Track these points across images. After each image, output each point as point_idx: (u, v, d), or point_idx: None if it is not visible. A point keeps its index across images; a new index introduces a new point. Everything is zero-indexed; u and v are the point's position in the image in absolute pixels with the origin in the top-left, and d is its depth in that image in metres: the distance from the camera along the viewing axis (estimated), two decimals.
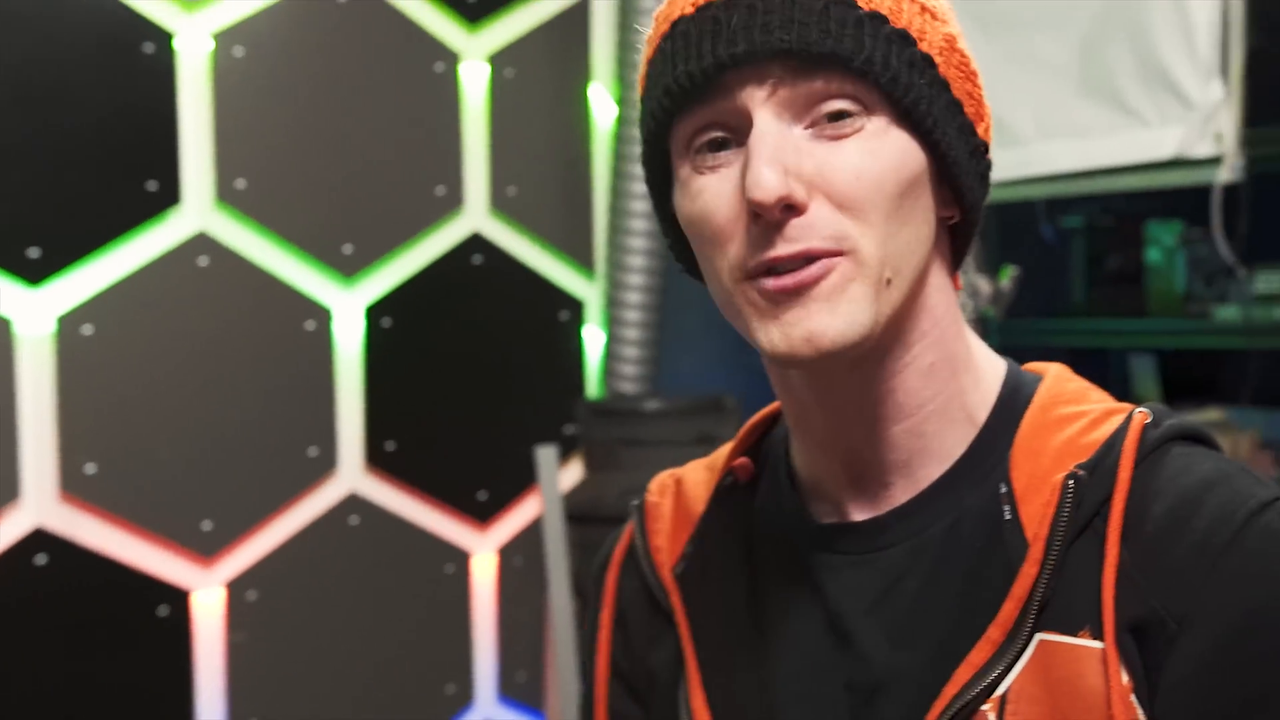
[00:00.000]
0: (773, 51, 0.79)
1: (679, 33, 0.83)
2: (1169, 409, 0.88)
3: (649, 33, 0.89)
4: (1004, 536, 0.84)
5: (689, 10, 0.83)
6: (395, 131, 3.09)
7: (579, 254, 3.37)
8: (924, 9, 0.84)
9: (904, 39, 0.82)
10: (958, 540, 0.86)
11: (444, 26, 3.16)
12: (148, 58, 2.78)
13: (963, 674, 0.82)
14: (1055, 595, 0.81)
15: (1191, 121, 2.67)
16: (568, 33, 3.34)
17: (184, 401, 2.83)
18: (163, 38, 2.80)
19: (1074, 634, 0.80)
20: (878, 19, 0.81)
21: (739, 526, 0.98)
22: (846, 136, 0.81)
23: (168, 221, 2.82)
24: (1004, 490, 0.85)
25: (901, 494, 0.89)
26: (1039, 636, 0.81)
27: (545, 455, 3.23)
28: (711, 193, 0.83)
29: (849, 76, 0.80)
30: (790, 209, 0.79)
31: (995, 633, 0.82)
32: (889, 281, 0.81)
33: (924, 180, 0.83)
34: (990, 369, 0.92)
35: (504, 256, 3.25)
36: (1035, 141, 2.95)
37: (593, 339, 3.41)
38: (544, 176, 3.31)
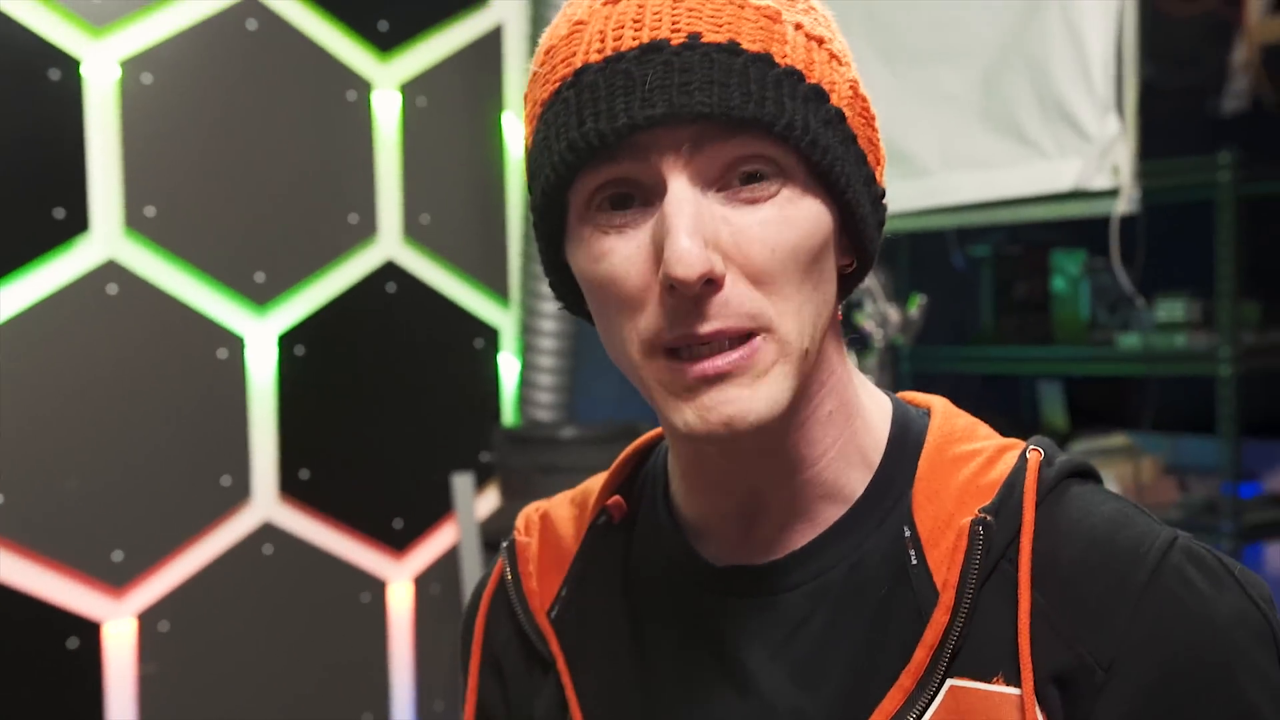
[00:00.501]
0: (692, 115, 0.75)
1: (585, 84, 0.77)
2: (1054, 443, 0.89)
3: (539, 68, 0.83)
4: (911, 581, 0.83)
5: (595, 58, 0.78)
6: (308, 159, 3.09)
7: (493, 282, 3.38)
8: (832, 55, 0.82)
9: (818, 95, 0.79)
10: (860, 583, 0.84)
11: (356, 55, 3.17)
12: (54, 84, 2.76)
13: None
14: (967, 641, 0.80)
15: (1089, 154, 2.73)
16: (480, 62, 3.35)
17: (94, 431, 2.80)
18: (69, 64, 2.77)
19: (987, 680, 0.79)
20: (794, 76, 0.78)
21: (616, 568, 0.94)
22: (760, 201, 0.78)
23: (76, 249, 2.79)
24: (908, 534, 0.84)
25: (800, 537, 0.87)
26: (950, 683, 0.80)
27: (461, 483, 3.23)
28: (619, 256, 0.78)
29: (768, 140, 0.77)
30: (710, 283, 0.76)
31: (907, 680, 0.80)
32: (806, 352, 0.80)
33: (830, 240, 0.81)
34: (876, 407, 0.90)
35: (418, 284, 3.25)
36: (940, 172, 3.00)
37: (508, 366, 3.42)
38: (457, 204, 3.32)
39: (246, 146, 3.00)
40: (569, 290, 0.89)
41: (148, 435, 2.86)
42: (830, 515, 0.86)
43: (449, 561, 3.27)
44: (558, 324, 3.29)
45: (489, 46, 3.36)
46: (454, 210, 3.31)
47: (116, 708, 2.82)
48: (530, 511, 1.01)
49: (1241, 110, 3.59)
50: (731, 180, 0.78)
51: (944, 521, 0.83)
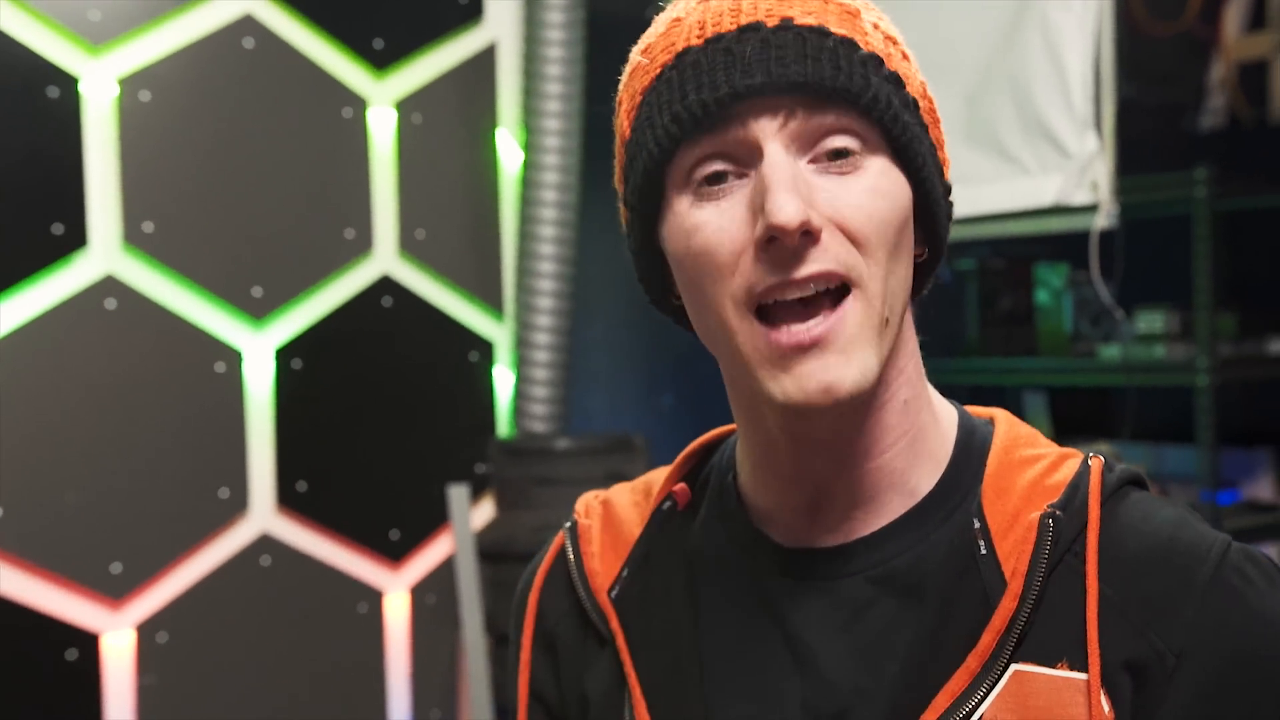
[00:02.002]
0: (788, 85, 0.81)
1: (688, 62, 0.83)
2: (1112, 454, 0.96)
3: (641, 62, 0.88)
4: (980, 570, 0.86)
5: (696, 41, 0.84)
6: (304, 175, 3.13)
7: (488, 295, 3.42)
8: (905, 55, 0.89)
9: (897, 81, 0.85)
10: (924, 573, 0.87)
11: (352, 73, 3.21)
12: (53, 102, 2.79)
13: (941, 701, 0.83)
14: (1032, 628, 0.84)
15: (1070, 170, 2.80)
16: (474, 79, 3.40)
17: (93, 444, 2.83)
18: (68, 82, 2.81)
19: (1052, 665, 0.83)
20: (876, 60, 0.84)
21: (680, 551, 0.97)
22: (849, 174, 0.83)
23: (74, 264, 2.83)
24: (977, 525, 0.87)
25: (865, 525, 0.90)
26: (1014, 667, 0.83)
27: (457, 494, 3.26)
28: (713, 227, 0.83)
29: (854, 113, 0.82)
30: (808, 235, 0.80)
31: (973, 662, 0.83)
32: (887, 321, 0.84)
33: (910, 217, 0.86)
34: (944, 408, 0.94)
35: (413, 298, 3.30)
36: None
37: (503, 379, 3.45)
38: (452, 219, 3.36)
39: (243, 162, 3.04)
40: (656, 277, 0.92)
41: (146, 448, 2.89)
42: (897, 507, 0.90)
43: (445, 572, 3.31)
44: (552, 337, 3.33)
45: (483, 64, 3.41)
46: (449, 225, 3.35)
47: (115, 719, 2.85)
48: (589, 498, 1.04)
49: (1218, 127, 3.67)
50: (822, 154, 0.83)
51: (1013, 515, 0.87)
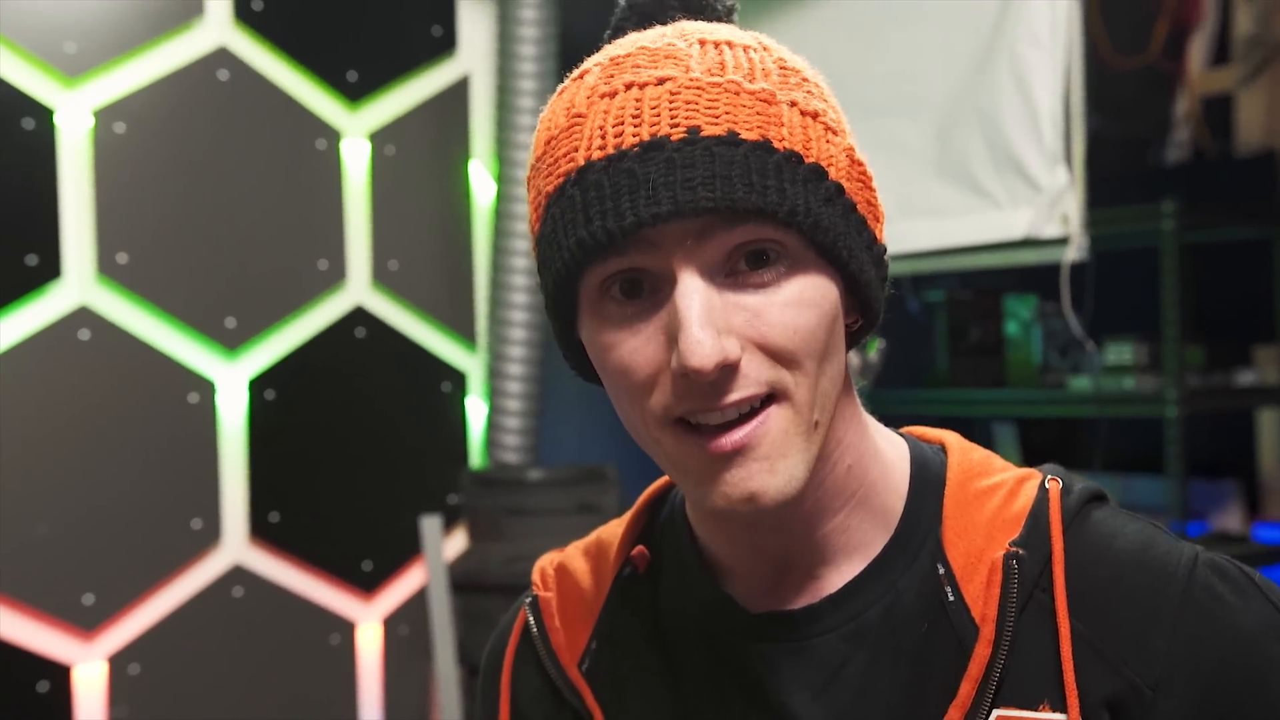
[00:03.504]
0: (697, 210, 0.76)
1: (590, 182, 0.78)
2: (1066, 470, 0.92)
3: (541, 157, 0.83)
4: (950, 617, 0.84)
5: (598, 155, 0.78)
6: (278, 207, 3.14)
7: (460, 326, 3.43)
8: (827, 128, 0.83)
9: (817, 174, 0.80)
10: (896, 624, 0.86)
11: (325, 105, 3.22)
12: (28, 134, 2.80)
13: None
14: (1009, 671, 0.82)
15: (1039, 204, 2.83)
16: (447, 111, 3.42)
17: (65, 474, 2.82)
18: (43, 113, 2.81)
19: (1033, 708, 0.81)
20: (793, 159, 0.79)
21: (645, 618, 0.94)
22: (771, 285, 0.79)
23: (48, 295, 2.82)
24: (942, 571, 0.85)
25: (832, 582, 0.88)
26: (996, 713, 0.82)
27: (429, 525, 3.26)
28: (628, 348, 0.80)
29: (772, 225, 0.78)
30: (731, 365, 0.77)
31: (955, 714, 0.82)
32: (817, 424, 0.81)
33: (839, 311, 0.83)
34: (892, 449, 0.91)
35: (386, 329, 3.30)
36: (897, 220, 3.09)
37: (475, 410, 3.46)
38: (425, 251, 3.37)
39: (218, 194, 3.04)
40: (585, 363, 0.89)
41: (119, 479, 2.89)
42: (859, 562, 0.88)
43: (418, 603, 3.30)
44: (524, 368, 3.34)
45: (456, 96, 3.43)
46: (422, 256, 3.36)
47: None
48: (545, 565, 1.01)
49: (1182, 160, 3.72)
50: (738, 264, 0.79)
51: (975, 556, 0.85)
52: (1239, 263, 3.43)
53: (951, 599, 0.85)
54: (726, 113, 0.78)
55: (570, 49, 3.36)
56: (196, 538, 2.99)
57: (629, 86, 0.80)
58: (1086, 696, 0.81)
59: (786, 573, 0.89)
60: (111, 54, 2.90)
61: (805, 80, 0.84)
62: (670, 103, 0.78)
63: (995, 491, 0.88)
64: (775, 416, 0.79)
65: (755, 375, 0.78)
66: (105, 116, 2.90)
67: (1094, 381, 3.01)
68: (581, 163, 0.79)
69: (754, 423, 0.79)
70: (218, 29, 3.05)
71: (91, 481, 2.85)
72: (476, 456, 3.46)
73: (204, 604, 2.99)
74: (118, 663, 2.87)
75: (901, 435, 0.94)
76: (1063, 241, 2.82)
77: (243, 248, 3.08)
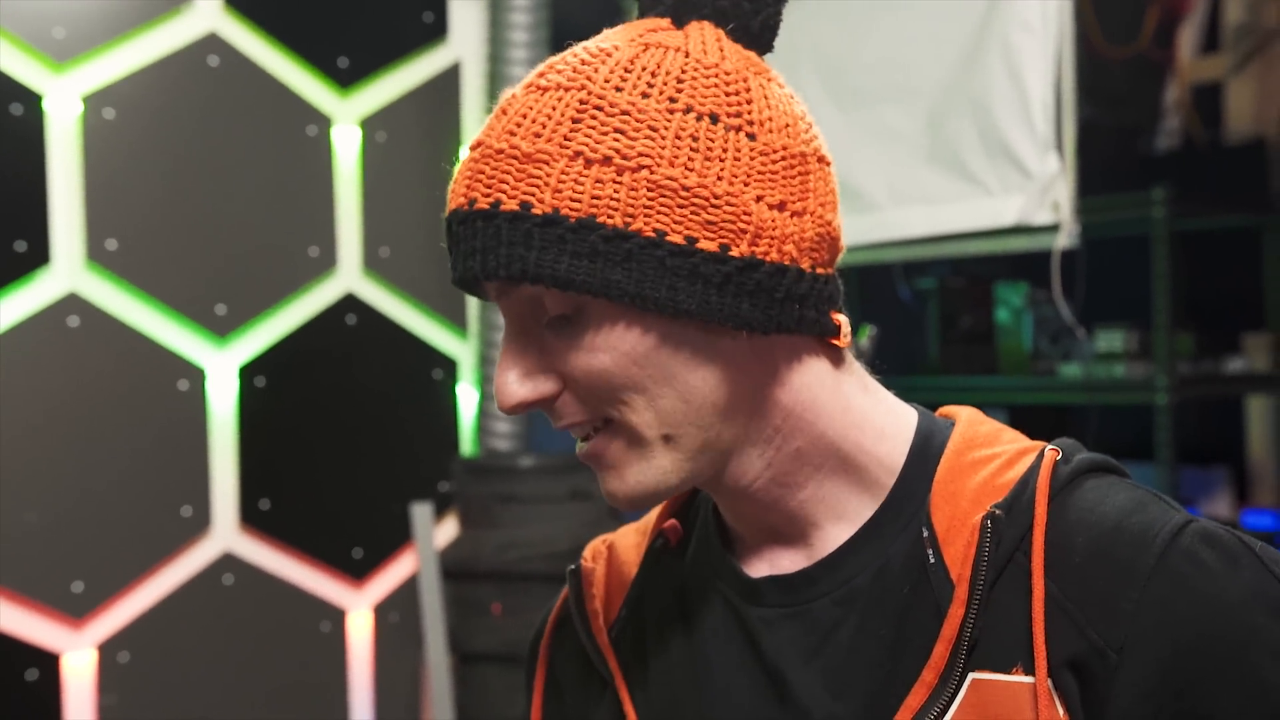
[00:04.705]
0: (473, 279, 0.84)
1: (448, 230, 0.86)
2: (1079, 444, 0.92)
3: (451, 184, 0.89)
4: (930, 579, 0.85)
5: (451, 207, 0.86)
6: (268, 193, 3.13)
7: (452, 313, 3.42)
8: (620, 169, 0.81)
9: (586, 229, 0.80)
10: (885, 587, 0.87)
11: (316, 91, 3.21)
12: (16, 119, 2.78)
13: (903, 718, 0.83)
14: (985, 634, 0.83)
15: (1031, 191, 2.83)
16: (438, 97, 3.41)
17: (54, 462, 2.81)
18: (32, 99, 2.80)
19: (1007, 671, 0.82)
20: (551, 222, 0.80)
21: (671, 587, 0.98)
22: (568, 332, 0.83)
23: (37, 282, 2.81)
24: (926, 534, 0.87)
25: (824, 547, 0.90)
26: (971, 676, 0.82)
27: (420, 512, 3.26)
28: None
29: (533, 285, 0.82)
30: (545, 399, 0.86)
31: (929, 675, 0.83)
32: (667, 438, 0.84)
33: (670, 339, 0.83)
34: (895, 419, 0.92)
35: (377, 316, 3.30)
36: (888, 208, 3.09)
37: (466, 397, 3.46)
38: (416, 237, 3.36)
39: (207, 180, 3.04)
40: None
41: (108, 466, 2.88)
42: (849, 526, 0.90)
43: (408, 590, 3.30)
44: None
45: (447, 82, 3.42)
46: (413, 243, 3.35)
47: None
48: (598, 542, 1.06)
49: (1172, 148, 3.72)
50: (549, 318, 0.85)
51: (960, 520, 0.86)
52: (1229, 251, 3.44)
53: (933, 561, 0.86)
54: (499, 182, 0.83)
55: (561, 35, 3.35)
56: (186, 525, 2.99)
57: (472, 146, 0.86)
58: (1053, 658, 0.81)
59: (778, 539, 0.92)
60: (101, 39, 2.89)
61: (595, 116, 0.82)
62: (468, 172, 0.85)
63: (992, 460, 0.89)
64: (613, 439, 0.86)
65: (576, 408, 0.86)
66: (94, 102, 2.88)
67: (1084, 369, 3.02)
68: (449, 210, 0.86)
69: (596, 439, 0.86)
70: (208, 14, 3.04)
71: (81, 469, 2.84)
72: (468, 444, 3.46)
73: (194, 592, 2.99)
74: (107, 651, 2.87)
75: (916, 408, 0.95)
76: (1054, 229, 2.82)
77: (233, 234, 3.07)
